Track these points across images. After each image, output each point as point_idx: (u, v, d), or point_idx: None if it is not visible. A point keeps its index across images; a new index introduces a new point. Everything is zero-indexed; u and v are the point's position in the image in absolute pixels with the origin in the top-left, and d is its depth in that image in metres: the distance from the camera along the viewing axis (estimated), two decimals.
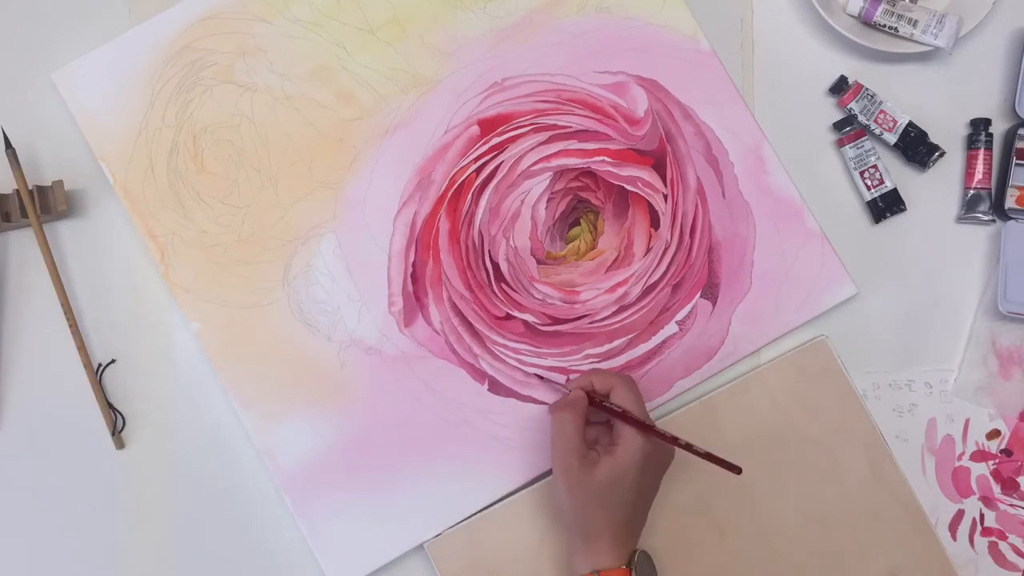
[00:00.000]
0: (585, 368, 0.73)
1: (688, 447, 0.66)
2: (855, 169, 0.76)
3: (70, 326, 0.72)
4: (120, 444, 0.72)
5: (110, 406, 0.72)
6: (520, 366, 0.73)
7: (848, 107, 0.76)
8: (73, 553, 0.71)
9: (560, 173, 0.75)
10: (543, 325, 0.74)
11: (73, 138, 0.74)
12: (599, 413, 0.68)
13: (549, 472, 0.72)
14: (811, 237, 0.75)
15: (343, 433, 0.72)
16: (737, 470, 0.66)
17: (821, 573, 0.71)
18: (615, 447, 0.65)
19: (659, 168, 0.75)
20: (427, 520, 0.71)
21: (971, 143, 0.77)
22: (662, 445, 0.66)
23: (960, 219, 0.77)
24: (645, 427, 0.65)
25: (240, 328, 0.72)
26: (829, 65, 0.78)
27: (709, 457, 0.66)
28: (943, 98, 0.78)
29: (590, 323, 0.74)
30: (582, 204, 0.75)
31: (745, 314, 0.74)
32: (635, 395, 0.67)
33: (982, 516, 0.74)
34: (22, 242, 0.74)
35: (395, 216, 0.74)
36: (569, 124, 0.75)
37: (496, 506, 0.72)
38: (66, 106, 0.74)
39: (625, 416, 0.65)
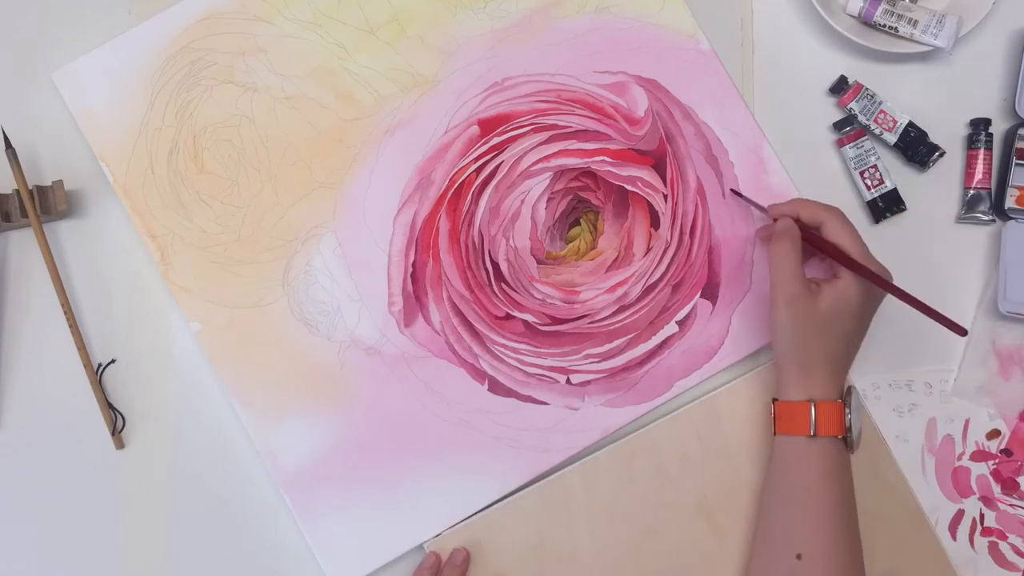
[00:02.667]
0: (586, 368, 0.73)
1: (908, 297, 0.65)
2: (855, 169, 0.76)
3: (70, 326, 0.72)
4: (120, 444, 0.72)
5: (110, 406, 0.72)
6: (520, 366, 0.73)
7: (848, 107, 0.76)
8: (73, 553, 0.71)
9: (560, 173, 0.75)
10: (543, 325, 0.74)
11: (73, 138, 0.74)
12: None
13: (549, 472, 0.72)
14: None
15: (343, 433, 0.72)
16: (963, 331, 0.65)
17: None
18: (838, 277, 0.66)
19: (659, 168, 0.75)
20: (427, 520, 0.71)
21: (971, 143, 0.77)
22: (884, 270, 0.67)
23: (960, 219, 0.77)
24: (863, 270, 0.65)
25: (240, 328, 0.72)
26: (829, 65, 0.78)
27: (929, 312, 0.65)
28: (943, 98, 0.78)
29: (590, 323, 0.74)
30: (582, 204, 0.75)
31: (745, 314, 0.74)
32: (849, 228, 0.67)
33: (982, 516, 0.74)
34: (22, 242, 0.74)
35: (395, 216, 0.74)
36: (569, 124, 0.75)
37: (496, 506, 0.72)
38: (66, 106, 0.74)
39: (841, 256, 0.65)
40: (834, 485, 0.64)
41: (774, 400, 0.68)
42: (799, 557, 0.63)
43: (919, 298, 0.66)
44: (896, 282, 0.75)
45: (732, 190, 0.74)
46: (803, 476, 0.65)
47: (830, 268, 0.69)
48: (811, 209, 0.68)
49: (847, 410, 0.65)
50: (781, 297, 0.65)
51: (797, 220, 0.69)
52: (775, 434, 0.67)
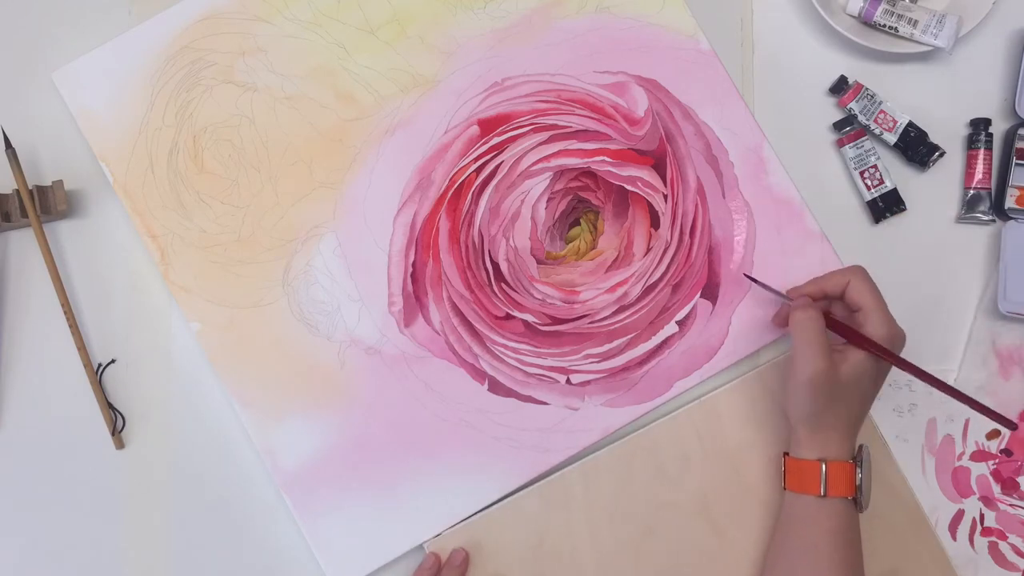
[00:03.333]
0: (586, 368, 0.73)
1: (949, 389, 0.65)
2: (855, 169, 0.76)
3: (70, 326, 0.72)
4: (120, 444, 0.72)
5: (110, 406, 0.72)
6: (520, 366, 0.73)
7: (848, 107, 0.76)
8: (73, 553, 0.71)
9: (560, 173, 0.75)
10: (543, 325, 0.74)
11: (73, 138, 0.74)
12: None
13: (549, 472, 0.72)
14: (811, 237, 0.75)
15: (343, 433, 0.72)
16: (1012, 425, 0.65)
17: None
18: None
19: (659, 168, 0.75)
20: (427, 520, 0.71)
21: (971, 143, 0.77)
22: (901, 334, 0.66)
23: (960, 219, 0.77)
24: (882, 350, 0.64)
25: (240, 328, 0.72)
26: (829, 65, 0.78)
27: (975, 406, 0.65)
28: (943, 98, 0.78)
29: (590, 323, 0.74)
30: (582, 204, 0.75)
31: (745, 314, 0.74)
32: (871, 287, 0.66)
33: (982, 516, 0.74)
34: (22, 242, 0.74)
35: (395, 216, 0.74)
36: (569, 124, 0.75)
37: (496, 506, 0.72)
38: (66, 106, 0.74)
39: (869, 345, 0.64)
40: (841, 544, 0.64)
41: (785, 454, 0.68)
42: None
43: (933, 373, 0.66)
44: (897, 282, 0.76)
45: (747, 275, 0.73)
46: (811, 534, 0.64)
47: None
48: (833, 279, 0.68)
49: (858, 470, 0.65)
50: (806, 372, 0.64)
51: (822, 298, 0.68)
52: (784, 489, 0.67)
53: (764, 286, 0.72)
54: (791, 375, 0.65)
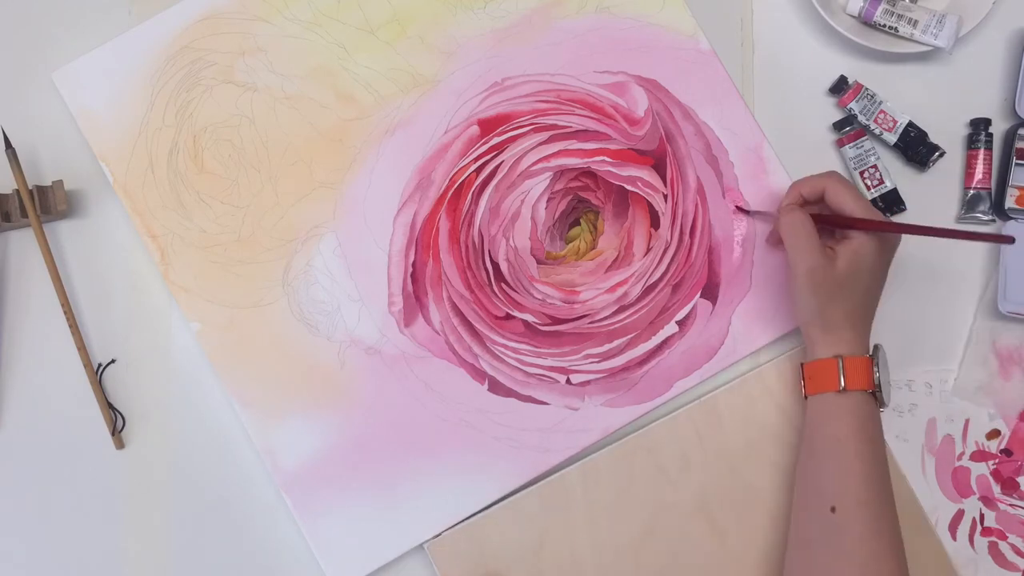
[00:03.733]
0: (586, 368, 0.73)
1: (925, 229, 0.66)
2: (855, 169, 0.76)
3: (70, 326, 0.72)
4: (120, 444, 0.72)
5: (110, 406, 0.72)
6: (520, 366, 0.73)
7: (848, 107, 0.76)
8: (73, 553, 0.71)
9: (560, 173, 0.75)
10: (543, 325, 0.74)
11: (73, 138, 0.74)
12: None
13: (549, 472, 0.72)
14: None
15: (343, 433, 0.72)
16: (1011, 240, 0.66)
17: None
18: (848, 237, 0.66)
19: (659, 168, 0.75)
20: (427, 520, 0.71)
21: (971, 143, 0.77)
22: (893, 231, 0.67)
23: (960, 219, 0.77)
24: (874, 224, 0.65)
25: (240, 328, 0.72)
26: (829, 65, 0.78)
27: (972, 236, 0.66)
28: (943, 98, 0.78)
29: (590, 323, 0.74)
30: (582, 204, 0.75)
31: (745, 314, 0.74)
32: (848, 188, 0.67)
33: (982, 516, 0.74)
34: (22, 242, 0.74)
35: (395, 216, 0.74)
36: (569, 124, 0.75)
37: (496, 506, 0.72)
38: (66, 106, 0.74)
39: (850, 221, 0.66)
40: (865, 438, 0.64)
41: (802, 364, 0.68)
42: (833, 510, 0.63)
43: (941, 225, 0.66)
44: (897, 282, 0.76)
45: (738, 207, 0.74)
46: (834, 430, 0.65)
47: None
48: (809, 183, 0.69)
49: (875, 365, 0.66)
50: (801, 268, 0.66)
51: (800, 203, 0.69)
52: (806, 396, 0.68)
53: (756, 213, 0.74)
54: (790, 279, 0.67)
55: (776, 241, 0.73)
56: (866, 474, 0.64)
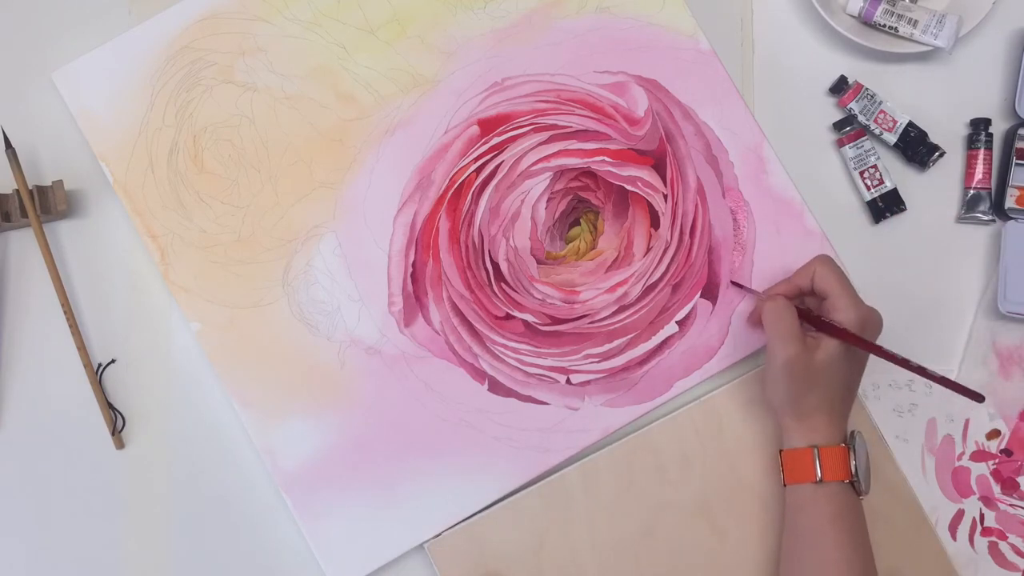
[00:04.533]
0: (586, 368, 0.73)
1: (919, 370, 0.65)
2: (855, 169, 0.76)
3: (70, 326, 0.72)
4: (120, 444, 0.72)
5: (110, 406, 0.72)
6: (520, 366, 0.73)
7: (848, 107, 0.76)
8: (73, 553, 0.71)
9: (560, 173, 0.75)
10: (543, 325, 0.74)
11: (73, 138, 0.74)
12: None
13: (549, 472, 0.72)
14: (811, 237, 0.75)
15: (343, 433, 0.72)
16: (980, 398, 0.65)
17: None
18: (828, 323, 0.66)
19: (659, 168, 0.75)
20: (427, 520, 0.71)
21: (971, 143, 0.77)
22: (873, 314, 0.66)
23: (960, 219, 0.77)
24: (849, 336, 0.65)
25: (240, 328, 0.72)
26: (829, 65, 0.78)
27: (946, 383, 0.65)
28: (943, 98, 0.78)
29: (590, 323, 0.74)
30: (582, 204, 0.75)
31: (745, 314, 0.74)
32: (836, 272, 0.67)
33: (982, 516, 0.74)
34: (22, 242, 0.74)
35: (395, 216, 0.74)
36: (569, 124, 0.75)
37: (496, 506, 0.72)
38: (66, 106, 0.74)
39: (834, 329, 0.65)
40: (844, 527, 0.64)
41: (781, 452, 0.68)
42: None
43: (917, 362, 0.66)
44: (897, 282, 0.76)
45: (733, 282, 0.74)
46: (812, 520, 0.65)
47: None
48: (801, 272, 0.69)
49: (851, 454, 0.65)
50: (779, 358, 0.65)
51: (794, 292, 0.69)
52: (785, 485, 0.67)
53: (747, 289, 0.73)
54: (767, 366, 0.67)
55: (756, 321, 0.73)
56: (846, 564, 0.63)
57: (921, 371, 0.65)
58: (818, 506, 0.65)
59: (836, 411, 0.66)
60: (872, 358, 0.68)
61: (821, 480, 0.64)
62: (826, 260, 0.68)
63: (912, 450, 0.75)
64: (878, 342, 0.67)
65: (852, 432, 0.67)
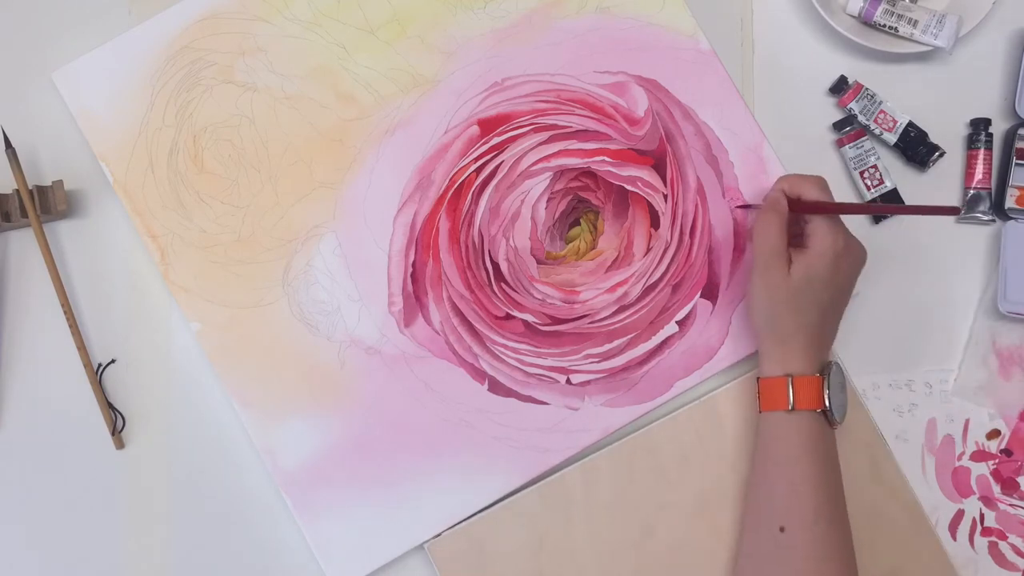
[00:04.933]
0: (586, 368, 0.73)
1: (884, 208, 0.66)
2: (855, 169, 0.76)
3: (70, 326, 0.72)
4: (120, 444, 0.72)
5: (110, 406, 0.72)
6: (520, 366, 0.73)
7: (848, 107, 0.76)
8: (73, 553, 0.71)
9: (560, 173, 0.75)
10: (543, 325, 0.74)
11: (73, 138, 0.74)
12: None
13: (549, 472, 0.72)
14: None
15: (343, 433, 0.72)
16: (956, 211, 0.67)
17: None
18: (806, 246, 0.66)
19: (659, 168, 0.75)
20: (427, 520, 0.71)
21: (971, 143, 0.77)
22: (854, 243, 0.67)
23: (960, 219, 0.77)
24: (838, 207, 0.65)
25: (240, 328, 0.72)
26: (829, 65, 0.78)
27: (920, 209, 0.67)
28: (943, 98, 0.78)
29: (590, 323, 0.74)
30: (582, 204, 0.75)
31: (745, 314, 0.74)
32: (827, 193, 0.67)
33: (982, 516, 0.74)
34: (22, 242, 0.74)
35: (395, 216, 0.74)
36: (569, 124, 0.75)
37: (496, 506, 0.72)
38: (66, 106, 0.74)
39: (818, 206, 0.65)
40: (815, 458, 0.64)
41: (758, 379, 0.68)
42: (782, 530, 0.64)
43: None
44: (897, 282, 0.76)
45: (739, 206, 0.74)
46: (783, 450, 0.65)
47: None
48: (790, 181, 0.69)
49: (825, 385, 0.65)
50: (757, 268, 0.66)
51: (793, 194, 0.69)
52: (760, 411, 0.67)
53: (756, 207, 0.73)
54: (751, 282, 0.67)
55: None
56: (815, 495, 0.63)
57: (904, 209, 0.66)
58: (789, 436, 0.65)
59: (813, 339, 0.66)
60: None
61: (793, 409, 0.64)
62: (820, 182, 0.68)
63: (912, 450, 0.75)
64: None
65: (830, 362, 0.67)
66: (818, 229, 0.66)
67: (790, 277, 0.65)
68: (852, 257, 0.67)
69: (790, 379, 0.65)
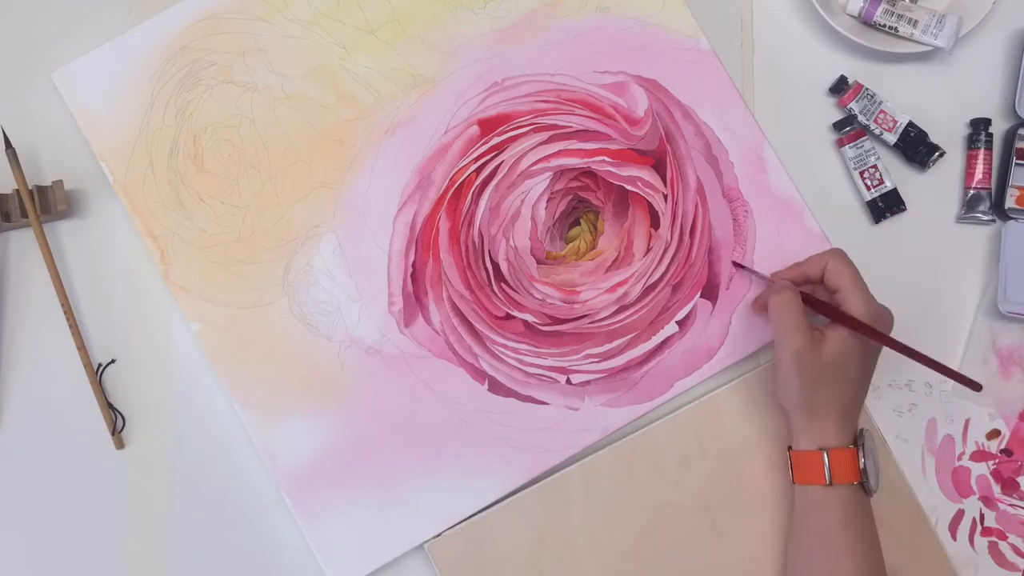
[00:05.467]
0: (586, 368, 0.73)
1: (926, 360, 0.64)
2: (855, 169, 0.76)
3: (70, 326, 0.72)
4: (120, 444, 0.72)
5: (110, 406, 0.72)
6: (520, 366, 0.73)
7: (848, 107, 0.76)
8: (73, 553, 0.71)
9: (560, 173, 0.75)
10: (543, 325, 0.74)
11: (73, 138, 0.74)
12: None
13: (549, 472, 0.72)
14: (811, 237, 0.75)
15: (343, 433, 0.72)
16: (977, 387, 0.65)
17: None
18: (838, 315, 0.65)
19: (659, 168, 0.75)
20: (427, 520, 0.71)
21: (971, 143, 0.77)
22: (884, 311, 0.66)
23: (960, 219, 0.77)
24: (861, 325, 0.64)
25: (240, 328, 0.72)
26: (829, 65, 0.78)
27: (947, 372, 0.65)
28: (943, 98, 0.78)
29: (590, 323, 0.74)
30: (582, 204, 0.75)
31: (745, 314, 0.74)
32: (850, 269, 0.66)
33: (982, 516, 0.74)
34: (22, 242, 0.74)
35: (395, 216, 0.74)
36: (569, 124, 0.75)
37: (496, 506, 0.72)
38: (66, 106, 0.74)
39: (851, 322, 0.64)
40: (854, 530, 0.64)
41: (789, 448, 0.68)
42: None
43: (925, 353, 0.66)
44: (897, 282, 0.76)
45: (735, 263, 0.74)
46: (822, 523, 0.64)
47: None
48: (812, 262, 0.68)
49: (860, 454, 0.65)
50: (787, 351, 0.64)
51: (802, 280, 0.69)
52: (794, 483, 0.67)
53: (750, 271, 0.73)
54: (777, 361, 0.66)
55: (761, 308, 0.72)
56: (856, 568, 0.63)
57: (933, 364, 0.64)
58: (829, 509, 0.64)
59: (847, 410, 0.65)
60: (884, 356, 0.67)
61: (831, 483, 0.64)
62: (840, 254, 0.68)
63: (912, 450, 0.75)
64: None
65: (861, 430, 0.67)
66: (851, 298, 0.65)
67: (822, 354, 0.64)
68: (883, 324, 0.66)
69: (825, 453, 0.64)
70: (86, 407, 0.72)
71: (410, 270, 0.74)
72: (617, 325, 0.74)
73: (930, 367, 0.65)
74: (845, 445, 0.65)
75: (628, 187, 0.75)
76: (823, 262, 0.68)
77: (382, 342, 0.73)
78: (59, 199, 0.72)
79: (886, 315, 0.67)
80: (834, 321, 0.66)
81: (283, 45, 0.75)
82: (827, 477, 0.64)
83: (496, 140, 0.75)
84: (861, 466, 0.65)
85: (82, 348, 0.72)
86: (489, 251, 0.74)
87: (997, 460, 0.75)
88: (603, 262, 0.75)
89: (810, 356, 0.64)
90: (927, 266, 0.76)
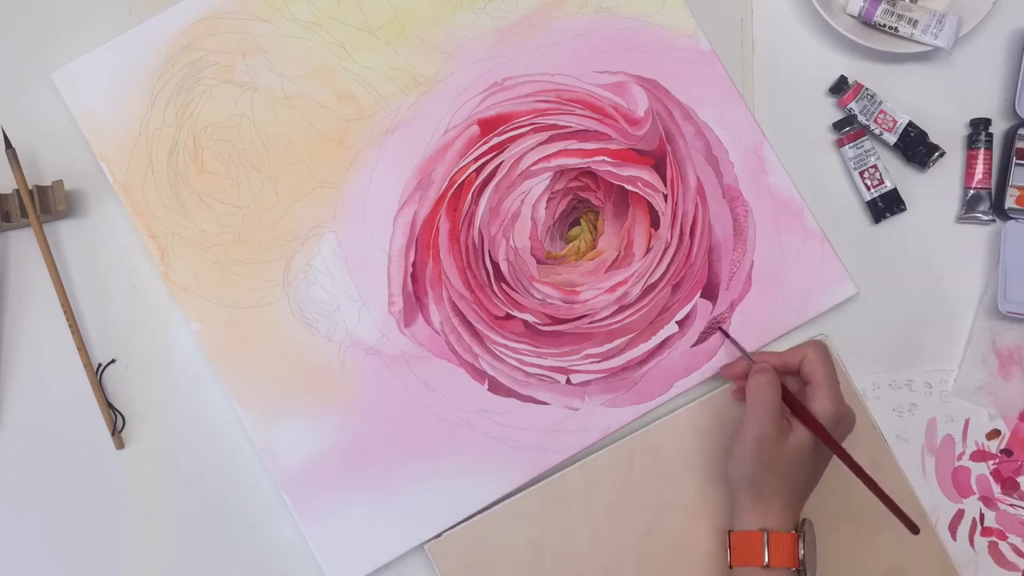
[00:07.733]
0: (586, 368, 0.73)
1: (870, 483, 0.65)
2: (855, 169, 0.76)
3: (70, 326, 0.72)
4: (120, 444, 0.72)
5: (110, 406, 0.72)
6: (520, 366, 0.73)
7: (848, 107, 0.76)
8: (73, 553, 0.71)
9: (560, 173, 0.75)
10: (543, 325, 0.74)
11: (73, 138, 0.74)
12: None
13: (549, 472, 0.72)
14: (811, 237, 0.75)
15: (343, 433, 0.72)
16: (915, 530, 0.64)
17: (821, 573, 0.71)
18: (805, 411, 0.65)
19: (659, 168, 0.75)
20: (427, 520, 0.71)
21: (971, 143, 0.77)
22: (848, 410, 0.66)
23: (960, 219, 0.77)
24: (820, 429, 0.64)
25: (240, 328, 0.72)
26: (829, 65, 0.78)
27: (888, 503, 0.65)
28: (943, 98, 0.78)
29: (590, 323, 0.74)
30: (582, 204, 0.75)
31: (745, 314, 0.74)
32: (826, 361, 0.66)
33: (982, 516, 0.74)
34: (22, 242, 0.74)
35: (395, 216, 0.74)
36: (569, 124, 0.75)
37: (496, 506, 0.72)
38: (66, 106, 0.74)
39: (812, 424, 0.64)
40: None
41: (729, 532, 0.67)
42: None
43: (872, 478, 0.65)
44: (897, 282, 0.76)
45: (720, 329, 0.73)
46: None
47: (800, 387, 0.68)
48: (794, 351, 0.68)
49: (801, 543, 0.64)
50: (751, 434, 0.64)
51: (781, 368, 0.68)
52: (730, 567, 0.66)
53: (733, 342, 0.73)
54: (738, 436, 0.66)
55: (731, 375, 0.72)
56: None
57: (879, 492, 0.64)
58: None
59: (793, 497, 0.65)
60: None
61: (767, 566, 0.63)
62: (820, 347, 0.68)
63: (912, 450, 0.75)
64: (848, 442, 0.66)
65: (804, 520, 0.66)
66: (818, 394, 0.65)
67: (783, 445, 0.64)
68: (845, 426, 0.66)
69: (766, 534, 0.64)
70: (86, 407, 0.72)
71: (410, 270, 0.74)
72: (617, 325, 0.74)
73: (876, 494, 0.64)
74: (787, 529, 0.64)
75: (628, 187, 0.75)
76: (803, 352, 0.67)
77: (382, 342, 0.73)
78: (59, 199, 0.72)
79: (849, 418, 0.66)
80: (797, 418, 0.66)
81: (283, 45, 0.75)
82: (765, 558, 0.63)
83: (496, 140, 0.75)
84: (800, 555, 0.64)
85: (82, 348, 0.72)
86: (489, 251, 0.74)
87: (997, 460, 0.75)
88: (603, 262, 0.75)
89: (771, 444, 0.64)
90: (927, 266, 0.76)
